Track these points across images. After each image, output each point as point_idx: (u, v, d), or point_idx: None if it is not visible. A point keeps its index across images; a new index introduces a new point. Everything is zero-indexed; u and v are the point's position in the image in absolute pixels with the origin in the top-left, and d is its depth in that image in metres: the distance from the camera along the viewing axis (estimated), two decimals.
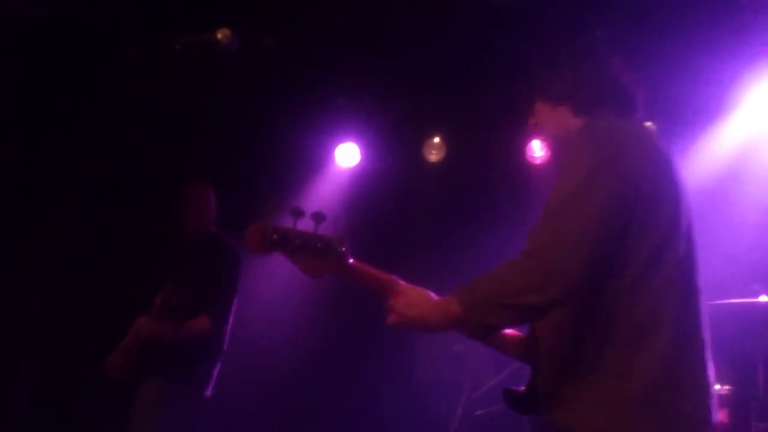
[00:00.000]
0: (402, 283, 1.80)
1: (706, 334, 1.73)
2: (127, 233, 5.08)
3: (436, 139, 5.72)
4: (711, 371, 1.71)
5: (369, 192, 5.59)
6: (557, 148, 1.86)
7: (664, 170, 1.69)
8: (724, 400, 3.55)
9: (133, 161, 4.99)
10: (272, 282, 5.06)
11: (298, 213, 1.76)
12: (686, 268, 1.69)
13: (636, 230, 1.61)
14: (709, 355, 1.71)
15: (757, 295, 3.52)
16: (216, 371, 3.67)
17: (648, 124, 5.18)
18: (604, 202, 1.58)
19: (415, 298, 1.73)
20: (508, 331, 1.97)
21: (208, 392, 3.64)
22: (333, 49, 4.94)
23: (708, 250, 4.51)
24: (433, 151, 5.76)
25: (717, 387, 3.61)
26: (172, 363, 3.50)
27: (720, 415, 3.56)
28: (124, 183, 5.11)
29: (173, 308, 3.58)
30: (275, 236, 1.75)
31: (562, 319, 1.69)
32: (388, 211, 5.57)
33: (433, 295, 1.75)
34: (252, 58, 4.72)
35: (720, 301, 3.56)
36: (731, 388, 3.59)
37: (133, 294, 3.87)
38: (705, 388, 1.66)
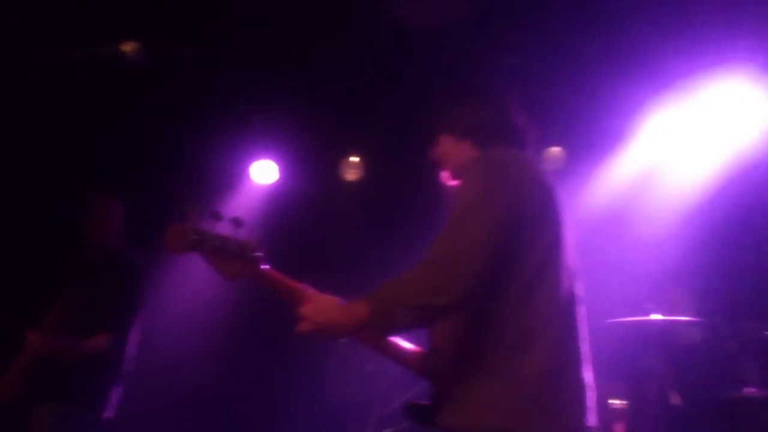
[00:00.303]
0: (312, 291, 1.89)
1: (585, 342, 1.89)
2: (28, 245, 4.89)
3: (355, 159, 5.78)
4: (588, 375, 1.87)
5: (286, 210, 5.58)
6: (457, 176, 2.02)
7: (546, 195, 1.90)
8: (620, 413, 3.72)
9: (42, 173, 4.83)
10: (179, 303, 4.99)
11: (217, 217, 1.84)
12: (568, 281, 1.87)
13: (522, 245, 1.80)
14: (586, 360, 1.88)
15: (649, 313, 3.72)
16: (115, 392, 3.53)
17: (556, 149, 5.45)
18: (495, 218, 1.78)
19: (323, 304, 1.83)
20: (411, 346, 2.08)
21: (108, 414, 3.50)
22: (252, 65, 4.95)
23: (608, 270, 4.76)
24: (351, 171, 5.81)
25: (614, 401, 3.83)
26: (65, 384, 3.35)
27: (617, 428, 3.74)
28: (29, 195, 4.93)
29: (68, 325, 3.44)
30: (194, 236, 1.82)
31: (458, 328, 1.85)
32: (305, 229, 5.58)
33: (342, 301, 1.84)
34: (169, 72, 4.67)
35: (616, 319, 3.74)
36: (627, 402, 3.77)
37: (28, 309, 3.70)
38: (581, 391, 1.83)
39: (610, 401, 3.78)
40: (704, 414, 4.09)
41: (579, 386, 1.83)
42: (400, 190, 5.60)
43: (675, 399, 3.72)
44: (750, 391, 3.95)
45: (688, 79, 4.58)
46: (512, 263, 1.79)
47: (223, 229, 1.85)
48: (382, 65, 4.94)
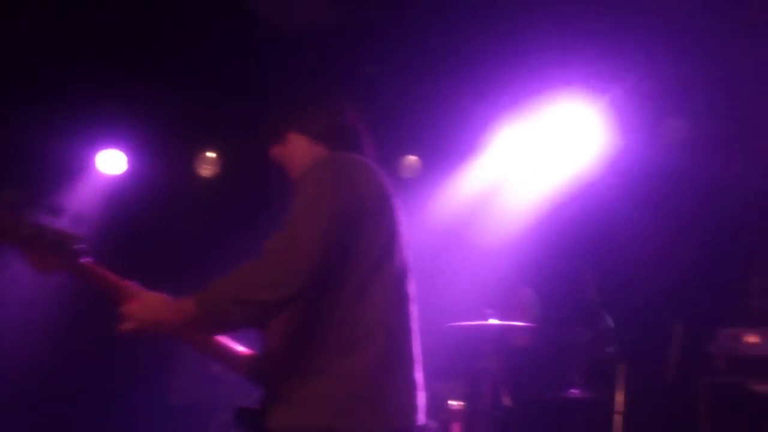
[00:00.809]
0: (137, 287, 1.80)
1: (417, 341, 1.91)
2: None
3: (211, 154, 5.65)
4: (419, 375, 1.88)
5: (133, 202, 5.35)
6: (301, 174, 2.00)
7: (385, 199, 1.92)
8: (457, 414, 3.88)
9: None
10: (16, 297, 4.67)
11: (37, 205, 1.73)
12: (401, 281, 1.90)
13: (358, 244, 1.81)
14: (418, 360, 1.89)
15: (487, 318, 3.91)
16: None
17: (412, 157, 5.61)
18: (332, 216, 1.78)
19: (149, 301, 1.75)
20: (243, 349, 2.03)
21: None
22: (104, 51, 4.70)
23: (453, 276, 4.93)
24: (207, 166, 5.68)
25: (452, 402, 3.98)
26: None
27: (454, 428, 3.89)
28: None
29: None
30: (5, 224, 1.70)
31: (289, 327, 1.82)
32: (152, 224, 5.37)
33: (171, 298, 1.75)
34: (8, 51, 4.34)
35: (457, 323, 3.90)
36: (465, 403, 3.93)
37: None
38: (412, 391, 1.85)
39: (449, 402, 3.92)
40: (534, 413, 4.36)
41: (409, 386, 1.84)
42: (256, 189, 5.53)
43: (506, 400, 3.93)
44: (574, 392, 4.25)
45: (532, 100, 4.88)
46: (347, 261, 1.80)
47: (47, 219, 1.74)
48: (243, 63, 4.86)
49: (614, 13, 4.08)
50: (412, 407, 1.84)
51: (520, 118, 5.07)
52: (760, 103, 4.55)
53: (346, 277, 1.80)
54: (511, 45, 4.38)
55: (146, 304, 1.74)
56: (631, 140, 4.84)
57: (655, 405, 4.30)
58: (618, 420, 4.18)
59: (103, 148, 5.34)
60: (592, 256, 4.97)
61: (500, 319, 3.93)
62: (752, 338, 3.78)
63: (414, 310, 1.93)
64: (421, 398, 1.88)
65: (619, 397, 4.21)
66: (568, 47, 4.24)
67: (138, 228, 5.21)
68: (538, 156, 5.21)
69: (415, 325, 1.92)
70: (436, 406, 3.83)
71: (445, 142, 5.35)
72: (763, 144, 4.63)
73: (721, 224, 4.64)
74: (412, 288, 1.96)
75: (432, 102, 5.05)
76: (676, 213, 4.70)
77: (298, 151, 2.07)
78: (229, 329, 1.85)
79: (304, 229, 1.76)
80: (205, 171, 5.66)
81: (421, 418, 1.86)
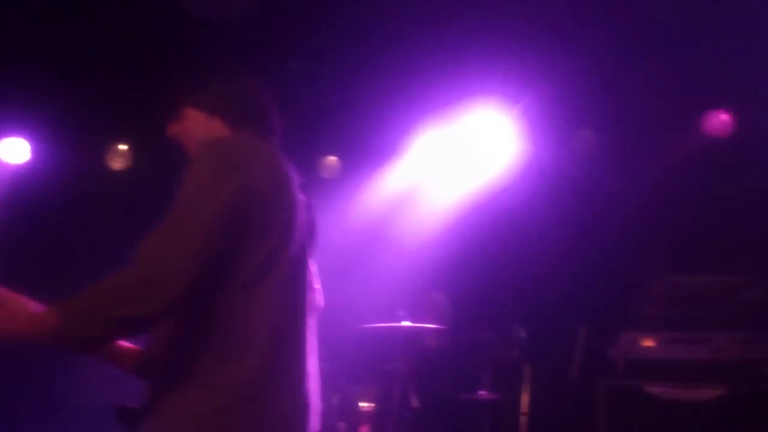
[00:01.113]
0: (2, 290, 1.58)
1: (312, 350, 1.75)
2: None
3: (123, 147, 5.48)
4: (313, 385, 1.74)
5: (38, 193, 5.13)
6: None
7: (284, 192, 1.71)
8: (367, 416, 3.90)
9: None
10: None
11: None
12: (295, 285, 1.71)
13: (247, 242, 1.61)
14: (313, 373, 1.74)
15: (400, 320, 3.95)
16: None
17: (332, 158, 5.61)
18: (217, 213, 1.57)
19: (9, 307, 1.54)
20: (127, 345, 1.84)
21: None
22: (6, 36, 4.48)
23: (368, 278, 4.94)
24: (118, 159, 5.50)
25: (363, 404, 4.00)
26: None
27: (362, 430, 3.91)
28: None
29: None
30: None
31: (171, 330, 1.64)
32: (58, 216, 5.15)
33: (36, 305, 1.56)
34: None
35: (370, 325, 3.93)
36: (374, 404, 3.95)
37: None
38: (300, 404, 1.68)
39: (360, 403, 3.94)
40: (442, 414, 4.44)
41: (298, 399, 1.67)
42: (171, 184, 5.38)
43: (415, 401, 3.98)
44: (482, 393, 4.35)
45: (450, 106, 4.98)
46: (234, 261, 1.59)
47: None
48: (160, 52, 4.72)
49: (527, 26, 4.22)
50: (299, 423, 1.67)
51: (439, 123, 5.16)
52: (661, 116, 4.80)
53: (231, 277, 1.59)
54: (432, 52, 4.46)
55: (5, 309, 1.52)
56: (541, 149, 5.01)
57: (558, 405, 4.45)
58: (523, 420, 4.30)
59: (5, 136, 5.10)
60: (501, 260, 5.10)
61: (412, 321, 3.98)
62: (649, 342, 3.96)
63: (313, 322, 1.77)
64: (314, 412, 1.72)
65: (525, 398, 4.34)
66: (485, 56, 4.35)
67: (40, 222, 4.99)
68: (454, 161, 5.31)
69: (310, 334, 1.75)
70: (346, 408, 3.84)
71: (365, 144, 5.37)
72: (665, 155, 4.88)
73: (624, 232, 4.85)
74: (319, 298, 1.83)
75: (353, 103, 5.07)
76: (584, 221, 4.89)
77: (194, 128, 1.85)
78: (94, 346, 1.64)
79: (182, 230, 1.55)
80: (117, 164, 5.49)
81: (312, 428, 1.71)
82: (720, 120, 4.82)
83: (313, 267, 1.90)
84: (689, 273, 4.13)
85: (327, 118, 5.23)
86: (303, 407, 1.68)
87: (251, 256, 1.61)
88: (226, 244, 1.58)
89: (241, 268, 1.60)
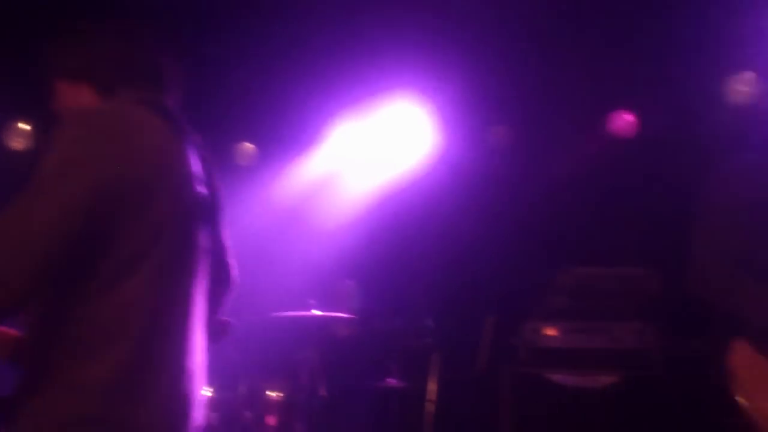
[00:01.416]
0: None
1: (197, 347, 1.60)
2: None
3: (25, 126, 5.22)
4: (195, 383, 1.59)
5: None
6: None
7: (163, 165, 1.52)
8: (274, 406, 3.88)
9: None
10: None
11: None
12: (175, 274, 1.55)
13: (117, 226, 1.45)
14: (197, 372, 1.60)
15: (310, 308, 3.95)
16: None
17: (249, 145, 5.53)
18: (74, 201, 1.40)
19: None
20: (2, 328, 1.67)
21: None
22: None
23: (281, 266, 4.91)
24: (18, 138, 5.25)
25: (270, 393, 3.98)
26: None
27: (269, 420, 3.89)
28: None
29: None
30: None
31: (34, 324, 1.51)
32: None
33: None
34: None
35: (279, 313, 3.91)
36: (283, 394, 3.94)
37: None
38: (175, 408, 1.54)
39: (267, 393, 3.92)
40: (350, 403, 4.47)
41: (172, 404, 1.52)
42: None
43: (323, 390, 3.99)
44: (390, 381, 4.41)
45: (368, 97, 5.01)
46: (99, 249, 1.43)
47: None
48: (64, 25, 4.51)
49: (444, 21, 4.29)
50: (177, 419, 1.53)
51: (356, 114, 5.19)
52: (570, 115, 4.98)
53: (96, 267, 1.43)
54: (352, 44, 4.48)
55: None
56: (455, 142, 5.12)
57: (464, 393, 4.57)
58: (429, 407, 4.39)
59: None
60: (412, 250, 5.18)
61: (322, 310, 3.98)
62: (551, 331, 4.12)
63: (200, 307, 1.61)
64: (196, 406, 1.59)
65: (432, 386, 4.43)
66: (402, 49, 4.40)
67: None
68: (370, 152, 5.36)
69: (199, 329, 1.60)
70: (254, 397, 3.81)
71: (283, 132, 5.33)
72: (572, 152, 5.07)
73: (532, 225, 5.02)
74: (224, 293, 1.74)
75: (271, 91, 5.01)
76: (494, 214, 5.02)
77: (65, 100, 1.65)
78: None
79: (25, 221, 1.36)
80: (17, 143, 5.23)
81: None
82: (625, 120, 5.04)
83: (226, 241, 1.79)
84: (591, 265, 4.31)
85: (244, 105, 5.16)
86: (181, 402, 1.55)
87: (122, 242, 1.45)
88: (82, 237, 1.40)
89: (109, 254, 1.44)
